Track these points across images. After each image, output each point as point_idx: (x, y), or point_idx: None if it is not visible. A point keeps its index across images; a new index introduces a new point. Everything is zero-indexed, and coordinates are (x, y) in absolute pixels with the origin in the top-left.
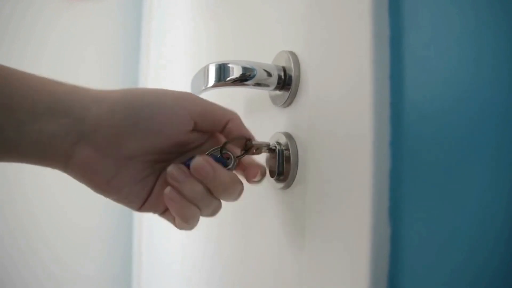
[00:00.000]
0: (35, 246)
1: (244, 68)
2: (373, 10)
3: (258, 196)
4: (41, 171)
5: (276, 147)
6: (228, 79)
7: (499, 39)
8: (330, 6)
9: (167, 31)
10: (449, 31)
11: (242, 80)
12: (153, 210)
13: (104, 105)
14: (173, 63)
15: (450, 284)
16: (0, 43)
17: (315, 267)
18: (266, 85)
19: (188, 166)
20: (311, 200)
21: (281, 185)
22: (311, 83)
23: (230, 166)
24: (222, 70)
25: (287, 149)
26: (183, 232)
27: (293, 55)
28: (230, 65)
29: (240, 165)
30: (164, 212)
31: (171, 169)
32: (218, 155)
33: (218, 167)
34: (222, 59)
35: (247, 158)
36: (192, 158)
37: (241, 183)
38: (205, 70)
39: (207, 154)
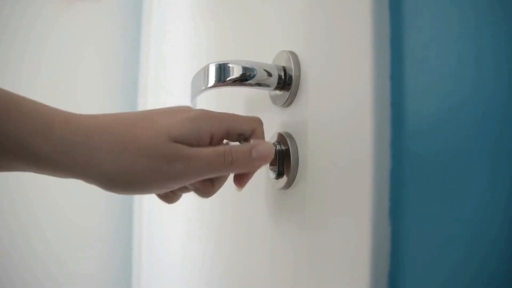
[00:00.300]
0: (35, 246)
1: (244, 68)
2: (373, 10)
3: (258, 196)
4: None
5: (276, 147)
6: (228, 79)
7: (499, 39)
8: (330, 6)
9: (167, 31)
10: (449, 31)
11: (242, 80)
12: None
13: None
14: (173, 63)
15: (450, 283)
16: (0, 43)
17: (315, 266)
18: (266, 85)
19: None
20: (311, 200)
21: (281, 185)
22: (311, 83)
23: None
24: (222, 70)
25: (287, 149)
26: (183, 232)
27: (293, 55)
28: (230, 65)
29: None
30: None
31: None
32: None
33: None
34: (222, 59)
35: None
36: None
37: None
38: (205, 70)
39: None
